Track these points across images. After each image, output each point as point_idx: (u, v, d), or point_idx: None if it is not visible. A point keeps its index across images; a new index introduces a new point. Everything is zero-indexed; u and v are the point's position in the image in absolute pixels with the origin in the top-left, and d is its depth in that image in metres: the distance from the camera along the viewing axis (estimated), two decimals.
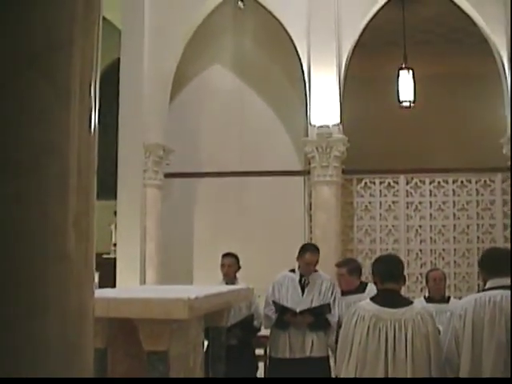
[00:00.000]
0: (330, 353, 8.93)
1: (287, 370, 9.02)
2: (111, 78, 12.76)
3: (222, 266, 9.69)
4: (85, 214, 2.29)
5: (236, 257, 9.80)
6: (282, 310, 9.04)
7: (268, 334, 9.59)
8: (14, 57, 2.11)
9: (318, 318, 8.99)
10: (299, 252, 9.18)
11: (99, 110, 2.43)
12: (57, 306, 2.16)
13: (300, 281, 9.21)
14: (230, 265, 9.70)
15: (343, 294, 8.99)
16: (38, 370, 2.11)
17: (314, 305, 9.06)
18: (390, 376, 5.54)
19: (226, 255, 9.81)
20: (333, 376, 8.51)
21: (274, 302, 9.10)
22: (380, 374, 5.56)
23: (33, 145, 2.12)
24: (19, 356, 2.08)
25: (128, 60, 12.81)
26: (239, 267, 9.76)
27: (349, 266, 9.07)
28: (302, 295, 9.16)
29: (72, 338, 2.22)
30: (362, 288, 8.60)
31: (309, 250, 9.23)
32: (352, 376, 5.63)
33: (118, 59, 13.09)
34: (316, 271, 9.39)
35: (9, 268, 2.07)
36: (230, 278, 9.56)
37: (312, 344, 9.03)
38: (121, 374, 6.79)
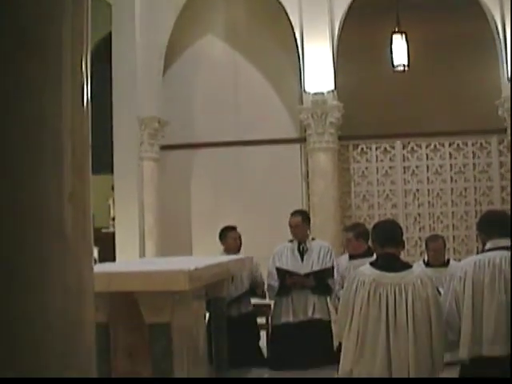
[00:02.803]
0: (331, 317, 9.02)
1: (290, 334, 9.13)
2: (104, 53, 12.70)
3: (235, 239, 9.74)
4: (81, 188, 2.28)
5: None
6: (286, 274, 9.17)
7: (268, 302, 9.71)
8: (3, 32, 2.09)
9: (321, 282, 9.15)
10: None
11: (92, 84, 2.42)
12: (56, 281, 2.16)
13: (298, 248, 9.38)
14: (238, 238, 9.78)
15: (351, 257, 9.04)
16: (39, 346, 2.12)
17: (314, 269, 9.22)
18: (391, 340, 5.56)
19: (232, 229, 9.84)
20: (335, 342, 8.56)
21: (277, 269, 9.23)
22: (381, 339, 5.58)
23: (25, 121, 2.11)
24: (20, 332, 2.09)
25: (120, 33, 12.74)
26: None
27: (356, 231, 9.11)
28: (302, 261, 9.32)
29: (72, 313, 2.22)
30: (369, 252, 8.58)
31: (291, 214, 9.49)
32: (354, 341, 5.65)
33: (110, 34, 13.01)
34: (313, 239, 9.58)
35: (6, 246, 2.07)
36: (234, 252, 9.60)
37: (314, 306, 9.20)
38: (123, 348, 6.83)
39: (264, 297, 9.79)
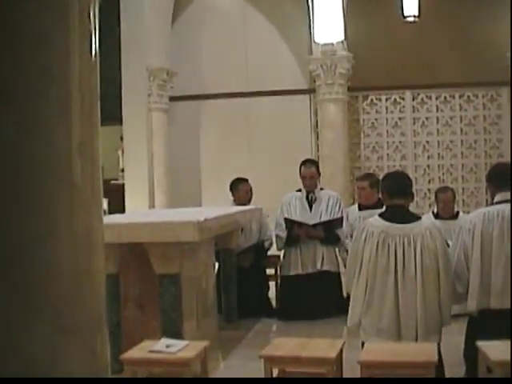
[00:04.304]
0: (341, 269, 9.03)
1: (299, 285, 9.16)
2: (113, 3, 12.59)
3: (246, 192, 9.71)
4: (89, 138, 2.27)
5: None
6: (294, 225, 9.14)
7: (277, 253, 9.72)
8: None
9: (329, 233, 9.14)
10: (299, 169, 9.37)
11: (101, 34, 2.40)
12: (65, 231, 2.17)
13: (307, 198, 9.34)
14: (249, 190, 9.77)
15: (361, 208, 9.04)
16: (48, 295, 2.13)
17: (322, 219, 9.19)
18: (399, 291, 5.59)
19: (244, 180, 9.82)
20: (344, 293, 8.60)
21: (285, 219, 9.21)
22: (390, 290, 5.61)
23: (33, 70, 2.09)
24: (30, 281, 2.10)
25: None
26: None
27: (370, 180, 9.11)
28: (310, 211, 9.29)
29: (82, 262, 2.23)
30: (380, 203, 8.59)
31: (303, 164, 9.47)
32: (362, 292, 5.68)
33: None
34: (322, 189, 9.55)
35: (16, 195, 2.07)
36: (244, 204, 9.58)
37: (323, 257, 9.20)
38: (133, 298, 6.88)
39: (269, 250, 9.81)
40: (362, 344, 5.61)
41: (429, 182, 13.31)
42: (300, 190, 9.45)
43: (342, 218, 9.20)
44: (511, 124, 12.21)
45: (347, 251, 7.39)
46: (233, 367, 7.02)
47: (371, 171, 12.75)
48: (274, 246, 9.59)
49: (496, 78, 12.86)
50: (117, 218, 7.59)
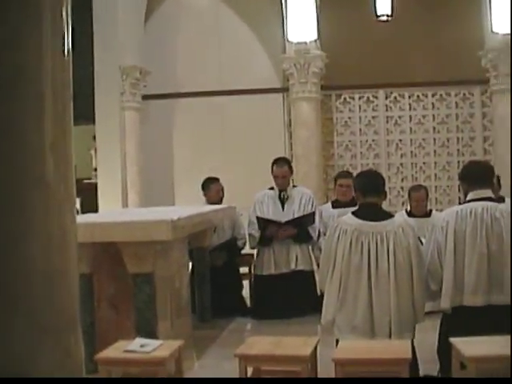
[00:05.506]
0: (314, 267, 9.03)
1: (273, 285, 9.13)
2: (85, 2, 12.52)
3: (217, 191, 9.68)
4: (62, 137, 2.26)
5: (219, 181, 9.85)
6: (266, 223, 9.11)
7: (251, 251, 9.69)
8: None
9: (302, 230, 9.09)
10: (271, 167, 9.34)
11: (73, 33, 2.39)
12: (39, 230, 2.16)
13: (279, 196, 9.30)
14: (220, 190, 9.74)
15: (337, 206, 9.06)
16: (25, 291, 2.12)
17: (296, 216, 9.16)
18: (373, 289, 5.61)
19: (215, 180, 9.78)
20: (318, 291, 8.60)
21: (257, 218, 9.16)
22: (363, 287, 5.63)
23: (5, 69, 2.08)
24: (9, 277, 2.09)
25: None
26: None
27: (352, 177, 9.12)
28: (283, 209, 9.25)
29: (56, 262, 2.22)
30: (355, 201, 8.61)
31: (275, 163, 9.41)
32: (336, 290, 5.70)
33: None
34: (295, 186, 9.54)
35: None
36: (216, 203, 9.55)
37: (296, 258, 9.16)
38: (107, 297, 6.85)
39: (242, 249, 9.78)
40: (337, 341, 5.63)
41: (402, 180, 13.38)
42: (272, 188, 9.42)
43: (314, 213, 9.19)
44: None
45: (320, 249, 7.40)
46: (207, 366, 7.01)
47: (345, 169, 12.78)
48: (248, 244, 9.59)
49: (468, 77, 12.95)
50: (90, 218, 7.55)
